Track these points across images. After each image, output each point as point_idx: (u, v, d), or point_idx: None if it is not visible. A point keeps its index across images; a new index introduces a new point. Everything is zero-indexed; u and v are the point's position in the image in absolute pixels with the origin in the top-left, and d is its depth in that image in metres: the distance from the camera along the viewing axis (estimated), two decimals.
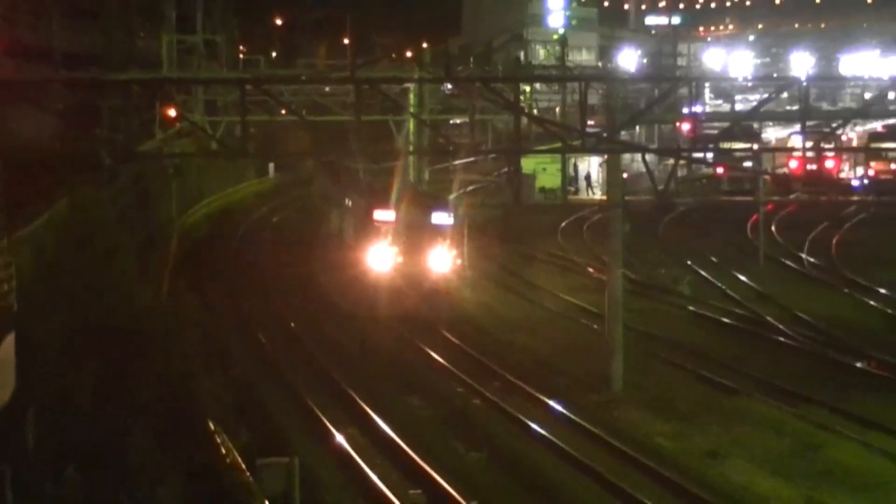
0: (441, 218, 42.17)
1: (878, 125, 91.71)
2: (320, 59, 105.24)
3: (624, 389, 34.34)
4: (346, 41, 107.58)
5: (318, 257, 50.29)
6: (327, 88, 67.55)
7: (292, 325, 42.86)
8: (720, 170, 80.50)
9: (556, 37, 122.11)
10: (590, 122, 45.20)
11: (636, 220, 57.30)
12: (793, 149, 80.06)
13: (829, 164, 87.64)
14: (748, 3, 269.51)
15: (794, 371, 37.45)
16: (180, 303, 43.84)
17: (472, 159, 66.51)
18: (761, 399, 33.66)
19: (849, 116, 55.31)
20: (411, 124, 61.11)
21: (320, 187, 56.81)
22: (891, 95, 62.62)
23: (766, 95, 43.98)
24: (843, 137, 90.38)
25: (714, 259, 58.18)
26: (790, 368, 37.83)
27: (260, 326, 42.08)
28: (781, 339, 41.72)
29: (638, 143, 78.88)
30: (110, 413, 23.81)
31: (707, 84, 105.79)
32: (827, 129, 46.25)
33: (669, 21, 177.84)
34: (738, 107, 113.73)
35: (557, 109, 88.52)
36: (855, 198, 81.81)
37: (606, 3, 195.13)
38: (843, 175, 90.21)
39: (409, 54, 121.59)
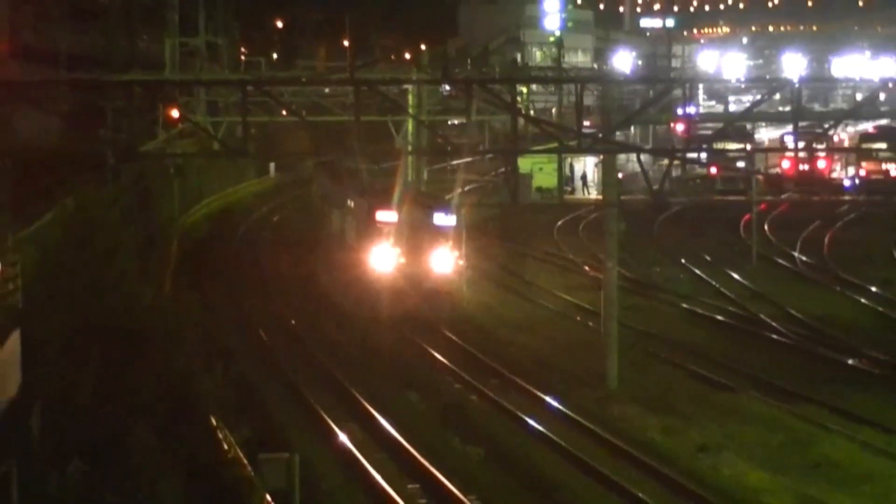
0: (443, 219, 41.95)
1: (869, 126, 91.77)
2: (320, 61, 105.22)
3: (619, 386, 34.40)
4: (345, 43, 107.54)
5: (320, 258, 50.07)
6: (327, 89, 67.52)
7: (293, 322, 42.85)
8: (714, 170, 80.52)
9: (552, 39, 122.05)
10: (586, 123, 45.31)
11: (631, 220, 57.36)
12: (785, 149, 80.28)
13: (821, 164, 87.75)
14: (741, 5, 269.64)
15: (787, 368, 37.52)
16: (182, 301, 43.75)
17: (470, 159, 66.60)
18: (754, 395, 33.73)
19: (840, 117, 55.46)
20: (410, 125, 61.11)
21: (321, 188, 56.66)
22: (881, 97, 62.66)
23: (758, 97, 44.14)
24: (835, 138, 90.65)
25: (708, 258, 58.22)
26: (783, 365, 37.90)
27: (261, 326, 42.02)
28: (774, 336, 41.78)
29: (633, 143, 78.93)
30: (112, 409, 23.85)
31: (701, 85, 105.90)
32: (819, 130, 46.42)
33: (664, 23, 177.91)
34: (732, 108, 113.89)
35: (554, 110, 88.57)
36: (846, 197, 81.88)
37: (602, 6, 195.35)
38: (834, 175, 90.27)
39: (407, 56, 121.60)
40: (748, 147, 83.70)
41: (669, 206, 74.78)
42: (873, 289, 49.72)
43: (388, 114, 61.96)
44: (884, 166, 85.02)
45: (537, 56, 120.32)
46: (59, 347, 25.13)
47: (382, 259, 41.53)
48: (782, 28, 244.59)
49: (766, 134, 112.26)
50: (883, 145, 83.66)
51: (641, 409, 31.88)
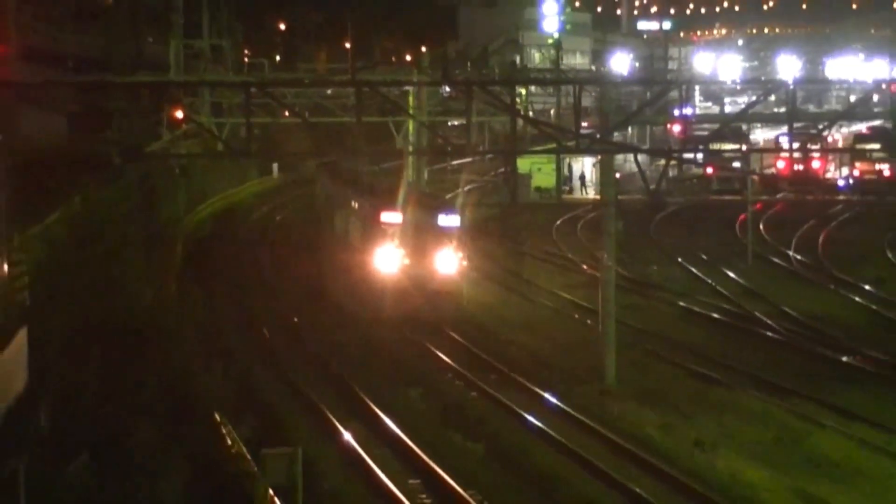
0: (448, 220, 41.75)
1: (862, 127, 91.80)
2: (322, 63, 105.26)
3: (617, 383, 34.40)
4: (346, 45, 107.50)
5: (324, 258, 49.78)
6: (329, 91, 67.67)
7: (295, 320, 42.82)
8: (710, 170, 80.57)
9: (550, 41, 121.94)
10: (584, 124, 45.29)
11: (629, 219, 57.38)
12: (780, 149, 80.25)
13: (816, 164, 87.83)
14: (737, 8, 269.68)
15: (782, 365, 37.55)
16: (186, 300, 43.79)
17: (470, 159, 66.64)
18: (749, 392, 33.75)
19: (834, 118, 55.44)
20: (410, 126, 61.15)
21: (323, 189, 56.53)
22: (875, 98, 62.58)
23: (754, 98, 44.12)
24: (829, 139, 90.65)
25: (704, 257, 58.21)
26: (778, 363, 37.92)
27: (265, 325, 41.97)
28: (770, 334, 41.80)
29: (630, 143, 78.95)
30: (117, 406, 23.87)
31: (697, 87, 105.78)
32: (813, 131, 46.43)
33: (660, 26, 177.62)
34: (728, 109, 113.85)
35: (552, 111, 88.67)
36: (840, 197, 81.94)
37: (600, 9, 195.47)
38: (828, 175, 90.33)
39: (408, 58, 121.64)
40: (744, 147, 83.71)
41: (666, 205, 74.81)
42: (867, 287, 49.74)
43: (388, 115, 62.05)
44: (877, 166, 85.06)
45: (536, 58, 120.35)
46: (66, 345, 25.14)
47: (387, 260, 41.32)
48: (777, 30, 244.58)
49: (761, 135, 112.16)
50: (876, 146, 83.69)
51: (639, 406, 31.90)
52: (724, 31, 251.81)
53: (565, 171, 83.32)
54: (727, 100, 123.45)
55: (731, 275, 52.97)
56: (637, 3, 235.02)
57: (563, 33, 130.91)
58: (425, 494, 25.17)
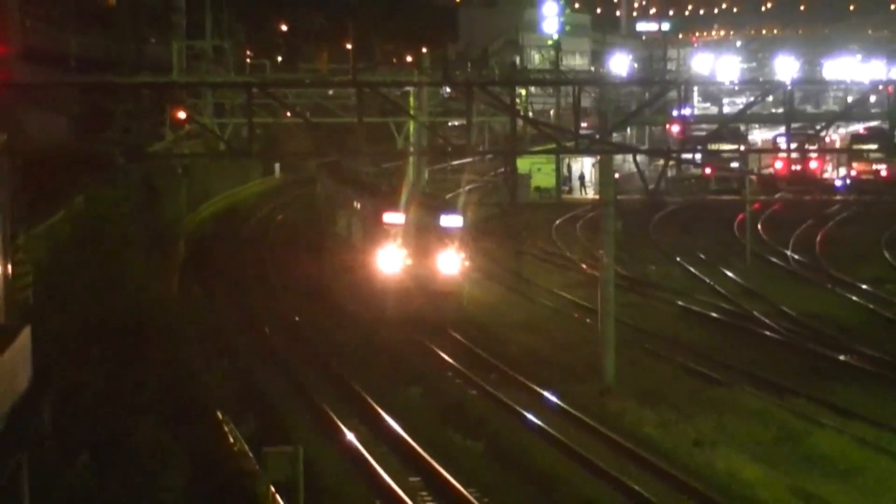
0: (450, 220, 41.65)
1: (859, 127, 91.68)
2: (323, 64, 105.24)
3: (616, 382, 34.41)
4: (348, 46, 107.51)
5: (326, 259, 49.69)
6: (330, 92, 67.61)
7: (297, 319, 42.81)
8: (708, 170, 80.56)
9: (550, 42, 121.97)
10: (583, 124, 45.20)
11: (628, 219, 57.36)
12: (778, 150, 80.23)
13: (813, 164, 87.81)
14: (735, 10, 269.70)
15: (779, 363, 37.57)
16: (189, 298, 43.79)
17: (471, 160, 66.59)
18: (747, 390, 33.76)
19: (832, 119, 55.22)
20: (411, 126, 61.11)
21: (325, 189, 56.47)
22: (872, 99, 62.58)
23: (752, 98, 44.00)
24: (827, 139, 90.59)
25: (702, 256, 58.23)
26: (775, 361, 37.94)
27: (267, 323, 41.95)
28: (767, 332, 41.81)
29: (629, 144, 78.91)
30: (120, 403, 23.86)
31: (696, 88, 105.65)
32: (811, 131, 46.31)
33: (659, 27, 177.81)
34: (726, 109, 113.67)
35: (552, 112, 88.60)
36: (838, 197, 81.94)
37: (599, 10, 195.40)
38: (826, 175, 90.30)
39: (408, 59, 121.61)
40: (742, 148, 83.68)
41: (665, 205, 74.83)
42: (864, 286, 49.75)
43: (389, 115, 62.00)
44: (874, 167, 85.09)
45: (536, 59, 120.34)
46: (68, 344, 25.13)
47: (389, 260, 41.21)
48: (775, 31, 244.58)
49: (759, 135, 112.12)
50: (873, 146, 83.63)
51: (638, 404, 31.90)
52: (722, 33, 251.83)
53: (565, 171, 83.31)
54: (725, 100, 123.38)
55: (730, 274, 52.98)
56: (636, 5, 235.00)
57: (563, 34, 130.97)
58: (426, 492, 25.18)
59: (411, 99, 61.16)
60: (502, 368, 35.69)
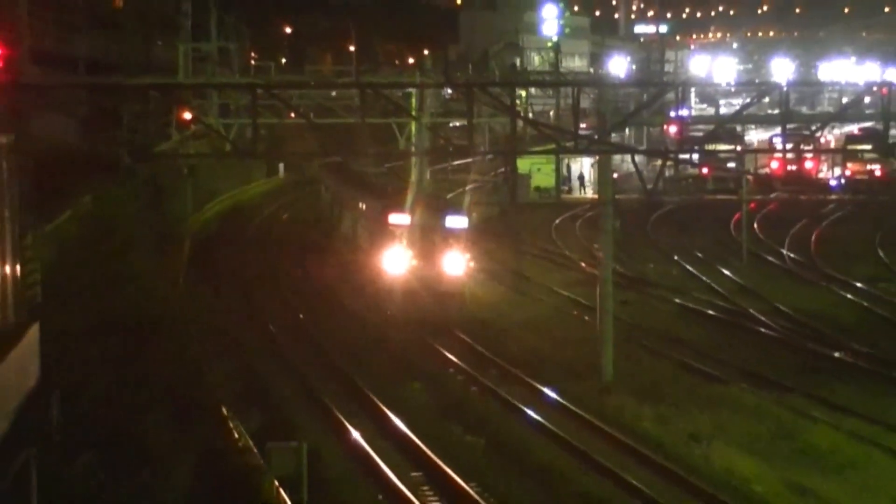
0: (456, 221, 41.51)
1: (854, 128, 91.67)
2: (327, 66, 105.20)
3: (614, 378, 34.35)
4: (351, 48, 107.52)
5: (332, 260, 49.48)
6: (333, 93, 67.58)
7: (301, 316, 42.73)
8: (705, 170, 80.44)
9: (550, 44, 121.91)
10: (582, 125, 45.18)
11: (626, 218, 57.31)
12: (774, 150, 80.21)
13: (809, 164, 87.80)
14: (732, 12, 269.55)
15: (775, 360, 37.54)
16: (194, 296, 43.71)
17: (473, 160, 66.51)
18: (743, 387, 33.74)
19: (827, 120, 55.31)
20: (413, 127, 61.08)
21: (329, 190, 56.33)
22: (866, 100, 62.53)
23: (748, 100, 44.01)
24: (822, 140, 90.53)
25: (699, 255, 58.19)
26: (771, 358, 37.91)
27: (272, 320, 41.85)
28: (763, 330, 41.78)
29: (628, 144, 78.88)
30: (127, 399, 23.86)
31: (693, 89, 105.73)
32: (806, 132, 46.31)
33: (657, 29, 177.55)
34: (723, 110, 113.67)
35: (552, 113, 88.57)
36: (833, 197, 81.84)
37: (598, 13, 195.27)
38: (821, 175, 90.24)
39: (410, 61, 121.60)
40: (738, 148, 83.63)
41: (663, 204, 74.77)
42: (858, 284, 49.73)
43: (391, 116, 61.97)
44: (868, 167, 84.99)
45: (536, 61, 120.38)
46: (76, 340, 25.13)
47: (395, 261, 41.07)
48: (771, 34, 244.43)
49: (755, 136, 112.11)
50: (867, 147, 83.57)
51: (635, 400, 31.85)
52: (719, 35, 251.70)
53: (564, 171, 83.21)
54: (722, 101, 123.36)
55: (726, 272, 52.95)
56: (634, 8, 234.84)
57: (562, 37, 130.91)
58: (427, 487, 25.15)
59: (413, 100, 61.16)
60: (503, 365, 35.65)
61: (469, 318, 41.97)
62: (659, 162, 41.13)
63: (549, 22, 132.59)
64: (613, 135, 40.39)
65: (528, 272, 52.71)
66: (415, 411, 30.55)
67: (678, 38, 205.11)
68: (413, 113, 58.25)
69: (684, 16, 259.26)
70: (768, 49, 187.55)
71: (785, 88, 34.92)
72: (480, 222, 60.61)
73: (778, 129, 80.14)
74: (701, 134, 60.60)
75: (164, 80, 57.26)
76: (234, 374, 33.67)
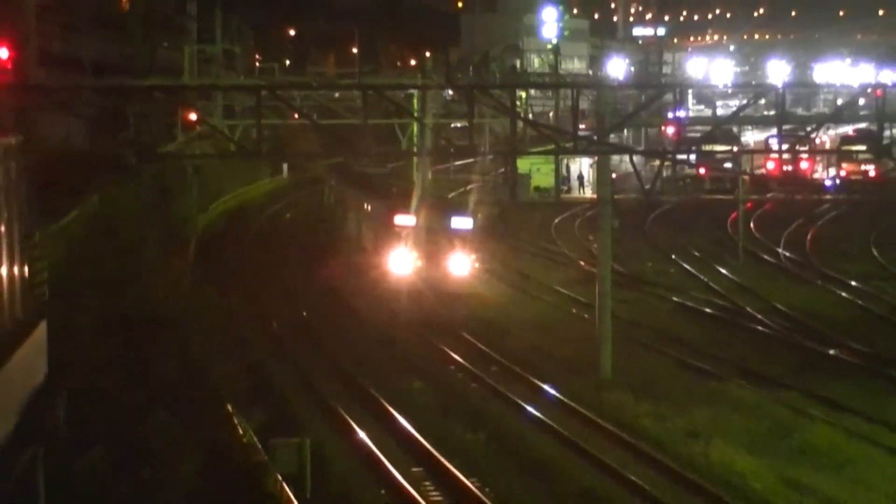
0: (461, 222, 41.38)
1: (849, 129, 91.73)
2: (330, 67, 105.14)
3: (613, 375, 34.33)
4: (354, 50, 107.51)
5: (335, 260, 49.32)
6: (336, 94, 67.47)
7: (304, 314, 42.70)
8: (702, 170, 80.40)
9: (549, 46, 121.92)
10: (581, 126, 45.14)
11: (624, 217, 57.25)
12: (770, 151, 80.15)
13: (804, 165, 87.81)
14: (728, 15, 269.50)
15: (772, 358, 37.52)
16: (199, 294, 43.61)
17: (475, 160, 66.44)
18: (740, 384, 33.69)
19: (822, 121, 55.29)
20: (414, 128, 61.03)
21: (333, 191, 56.14)
22: (861, 101, 62.55)
23: (745, 101, 44.02)
24: (817, 140, 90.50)
25: (697, 253, 58.17)
26: (768, 355, 37.89)
27: (276, 318, 41.81)
28: (760, 328, 41.76)
29: (626, 145, 78.82)
30: (133, 395, 23.82)
31: (690, 90, 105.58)
32: (802, 133, 46.24)
33: (655, 32, 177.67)
34: (720, 112, 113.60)
35: (551, 114, 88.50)
36: (828, 197, 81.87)
37: (597, 16, 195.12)
38: (816, 175, 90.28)
39: (412, 63, 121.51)
40: (735, 149, 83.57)
41: (660, 204, 74.75)
42: (853, 283, 49.70)
43: (394, 117, 61.91)
44: (863, 167, 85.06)
45: (535, 63, 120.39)
46: (83, 337, 25.08)
47: (400, 262, 40.92)
48: (767, 36, 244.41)
49: (751, 136, 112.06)
50: (862, 147, 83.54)
51: (634, 397, 31.82)
52: (716, 37, 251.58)
53: (563, 171, 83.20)
54: (719, 103, 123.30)
55: (723, 271, 52.93)
56: (633, 10, 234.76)
57: (562, 39, 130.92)
58: (429, 482, 25.12)
59: (415, 101, 61.08)
60: (503, 362, 35.61)
61: (468, 315, 41.93)
62: (657, 162, 41.08)
63: (549, 24, 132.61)
64: (612, 135, 40.30)
65: (527, 270, 52.67)
66: (417, 409, 30.52)
67: (676, 40, 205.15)
68: (415, 114, 58.17)
69: (682, 18, 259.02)
70: (764, 51, 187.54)
71: (781, 90, 34.81)
72: (480, 221, 60.51)
73: (774, 130, 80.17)
74: (698, 135, 60.50)
75: (170, 82, 57.12)
76: (239, 371, 33.62)
